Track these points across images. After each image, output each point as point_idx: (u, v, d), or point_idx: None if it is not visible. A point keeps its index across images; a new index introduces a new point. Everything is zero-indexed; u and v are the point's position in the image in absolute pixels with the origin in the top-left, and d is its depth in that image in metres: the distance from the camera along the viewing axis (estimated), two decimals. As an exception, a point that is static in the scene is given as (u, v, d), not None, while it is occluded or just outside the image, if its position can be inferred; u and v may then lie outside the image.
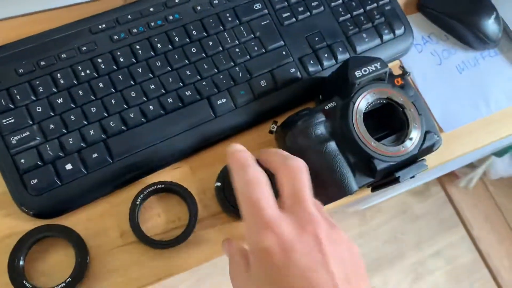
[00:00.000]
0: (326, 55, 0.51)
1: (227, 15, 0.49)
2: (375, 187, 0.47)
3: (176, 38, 0.47)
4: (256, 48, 0.49)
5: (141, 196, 0.43)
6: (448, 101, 0.55)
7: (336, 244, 0.32)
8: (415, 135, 0.44)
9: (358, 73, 0.43)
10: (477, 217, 1.55)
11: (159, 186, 0.43)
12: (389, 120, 0.46)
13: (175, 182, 0.44)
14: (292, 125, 0.43)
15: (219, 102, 0.46)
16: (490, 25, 0.56)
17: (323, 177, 0.42)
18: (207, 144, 0.47)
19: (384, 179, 0.45)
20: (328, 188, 0.42)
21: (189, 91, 0.46)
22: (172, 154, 0.45)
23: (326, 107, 0.45)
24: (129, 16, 0.47)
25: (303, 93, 0.50)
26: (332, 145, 0.42)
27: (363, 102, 0.44)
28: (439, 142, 0.46)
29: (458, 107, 0.55)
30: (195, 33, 0.48)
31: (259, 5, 0.50)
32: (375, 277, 1.44)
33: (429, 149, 0.45)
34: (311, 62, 0.50)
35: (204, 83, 0.47)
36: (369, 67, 0.44)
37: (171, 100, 0.45)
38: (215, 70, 0.47)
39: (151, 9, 0.48)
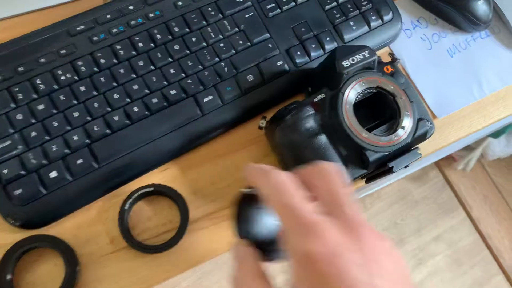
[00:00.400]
0: (313, 46, 0.49)
1: (210, 9, 0.48)
2: (369, 178, 0.46)
3: (158, 36, 0.46)
4: (241, 42, 0.48)
5: (130, 200, 0.42)
6: (440, 86, 0.54)
7: (383, 253, 0.29)
8: (407, 123, 0.43)
9: (345, 63, 0.42)
10: (476, 199, 1.55)
11: (147, 190, 0.42)
12: (380, 109, 0.45)
13: (164, 185, 0.43)
14: (280, 120, 0.42)
15: (206, 99, 0.45)
16: (480, 6, 0.54)
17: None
18: (196, 143, 0.45)
19: (378, 169, 0.44)
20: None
21: (174, 90, 0.45)
22: (160, 156, 0.44)
23: (315, 99, 0.43)
24: (108, 16, 0.46)
25: (291, 85, 0.49)
26: (323, 138, 0.41)
27: (352, 92, 0.43)
28: (432, 129, 0.45)
29: (450, 92, 0.54)
30: (177, 30, 0.46)
31: (242, -3, 0.49)
32: (377, 264, 1.43)
33: (422, 137, 0.44)
34: (298, 53, 0.49)
35: (189, 81, 0.45)
36: (357, 56, 0.43)
37: (156, 100, 0.44)
38: (200, 66, 0.46)
39: (131, 7, 0.47)
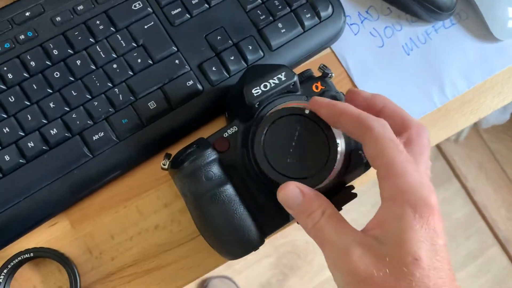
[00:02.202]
0: (232, 58, 0.41)
1: (98, 22, 0.39)
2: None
3: (32, 63, 0.37)
4: (139, 60, 0.39)
5: (5, 270, 0.35)
6: (393, 93, 0.45)
7: None
8: (337, 156, 0.35)
9: (256, 91, 0.34)
10: (471, 168, 1.47)
11: (27, 256, 0.35)
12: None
13: (46, 248, 0.36)
14: (178, 167, 0.34)
15: (95, 137, 0.37)
16: (441, -9, 0.45)
17: (221, 231, 0.34)
18: (87, 191, 0.38)
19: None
20: (228, 244, 0.34)
21: (55, 129, 0.37)
22: (43, 210, 0.37)
23: (225, 134, 0.35)
24: (-30, 40, 0.38)
25: (208, 108, 0.40)
26: (228, 190, 0.33)
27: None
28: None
29: (405, 99, 0.45)
30: (56, 53, 0.38)
31: (139, 4, 0.40)
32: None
33: (357, 172, 0.36)
34: (214, 68, 0.40)
35: (74, 115, 0.37)
36: (270, 81, 0.34)
37: (32, 144, 0.36)
38: (88, 96, 0.38)
39: (-4, 29, 0.38)
